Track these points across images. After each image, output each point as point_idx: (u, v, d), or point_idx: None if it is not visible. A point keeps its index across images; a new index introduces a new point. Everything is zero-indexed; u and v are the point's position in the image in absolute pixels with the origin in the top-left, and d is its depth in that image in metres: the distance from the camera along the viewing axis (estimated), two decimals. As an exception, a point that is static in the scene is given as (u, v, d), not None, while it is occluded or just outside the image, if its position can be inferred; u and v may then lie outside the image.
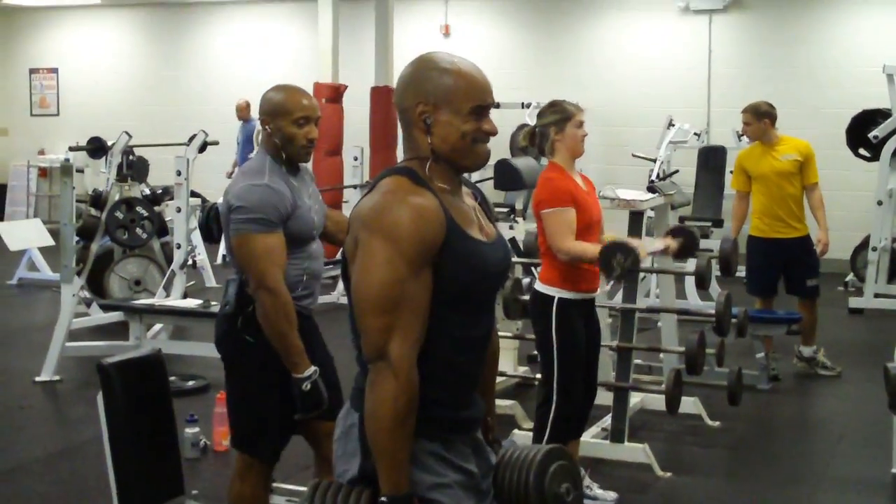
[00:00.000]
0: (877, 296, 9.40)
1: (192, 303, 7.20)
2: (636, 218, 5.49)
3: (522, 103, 12.24)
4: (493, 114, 2.39)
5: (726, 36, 12.86)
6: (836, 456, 5.67)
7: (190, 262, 7.77)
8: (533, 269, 6.19)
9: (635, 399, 5.86)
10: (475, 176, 2.16)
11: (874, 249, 9.37)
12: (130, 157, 8.77)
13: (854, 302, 9.54)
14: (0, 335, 8.66)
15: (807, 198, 7.05)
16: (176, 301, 7.42)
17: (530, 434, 4.86)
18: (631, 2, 13.31)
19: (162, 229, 8.82)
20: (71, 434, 5.99)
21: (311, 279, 3.62)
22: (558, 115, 4.57)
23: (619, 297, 5.65)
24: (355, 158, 10.39)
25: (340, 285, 9.75)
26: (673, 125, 11.68)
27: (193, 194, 8.71)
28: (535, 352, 6.40)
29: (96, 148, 9.14)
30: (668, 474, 5.20)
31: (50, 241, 9.98)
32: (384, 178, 2.31)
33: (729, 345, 5.84)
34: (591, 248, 4.40)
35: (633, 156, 11.47)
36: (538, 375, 4.96)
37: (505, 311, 5.49)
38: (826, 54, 12.37)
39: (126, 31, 16.30)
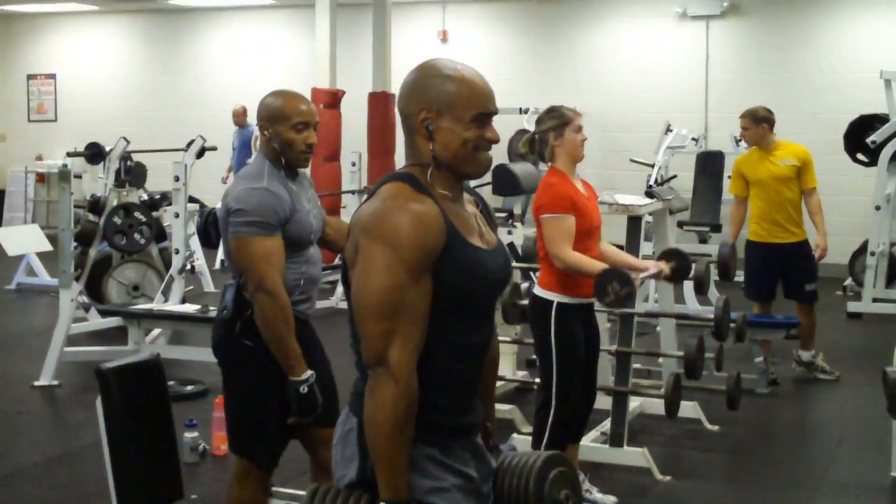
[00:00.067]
0: (875, 300, 9.40)
1: (191, 308, 7.19)
2: (634, 223, 5.49)
3: (520, 109, 12.27)
4: (491, 119, 2.39)
5: (724, 41, 12.89)
6: (835, 460, 5.67)
7: (188, 267, 7.76)
8: (531, 273, 6.20)
9: (634, 403, 5.86)
10: (473, 181, 2.16)
11: (872, 254, 9.38)
12: (128, 163, 8.78)
13: (852, 306, 9.54)
14: (-2, 340, 8.65)
15: (805, 203, 7.06)
16: (174, 306, 7.41)
17: (529, 438, 4.86)
18: (629, 7, 13.33)
19: (160, 234, 8.82)
20: (70, 439, 5.99)
21: (308, 284, 3.62)
22: (557, 121, 4.58)
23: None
24: (353, 164, 10.40)
25: (339, 290, 9.76)
26: (671, 130, 11.71)
27: (191, 199, 8.71)
28: (534, 356, 6.42)
29: (94, 153, 9.14)
30: (668, 478, 5.20)
31: (48, 247, 9.97)
32: (385, 185, 2.31)
33: (728, 349, 5.84)
34: (589, 264, 4.40)
35: (632, 161, 11.50)
36: (537, 380, 4.96)
37: (504, 315, 5.49)
38: (823, 59, 12.40)
39: (124, 37, 16.30)
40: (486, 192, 6.55)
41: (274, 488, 3.94)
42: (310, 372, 3.46)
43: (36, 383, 6.93)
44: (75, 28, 16.52)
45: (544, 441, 4.54)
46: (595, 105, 12.22)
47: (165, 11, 15.86)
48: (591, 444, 5.32)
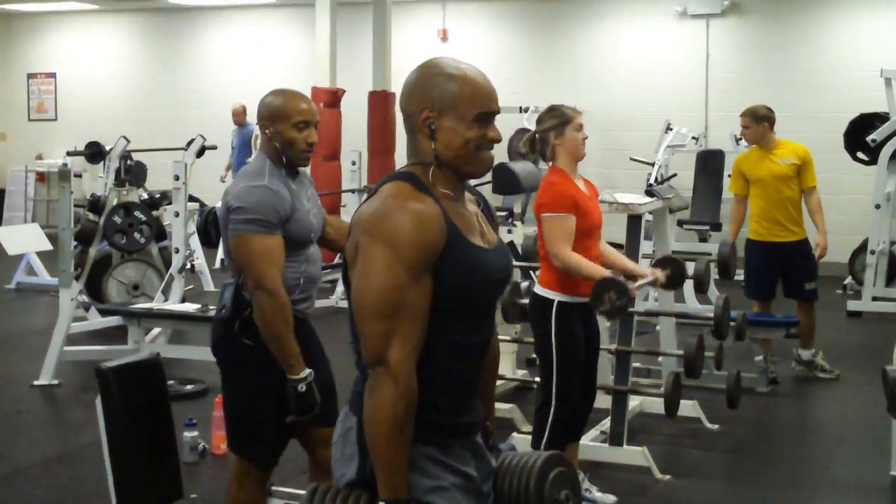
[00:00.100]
0: (875, 299, 9.40)
1: (191, 307, 7.19)
2: (634, 222, 5.50)
3: (520, 107, 12.27)
4: (491, 118, 2.39)
5: (724, 40, 12.88)
6: (835, 459, 5.67)
7: (188, 266, 7.76)
8: (531, 272, 6.20)
9: (634, 402, 5.86)
10: (473, 180, 2.16)
11: (872, 253, 9.38)
12: (128, 162, 8.77)
13: (852, 305, 9.55)
14: (-2, 340, 8.66)
15: (805, 201, 7.06)
16: (174, 305, 7.42)
17: (529, 437, 4.86)
18: (629, 6, 13.32)
19: (160, 234, 8.82)
20: (69, 438, 5.98)
21: (308, 283, 3.62)
22: (557, 120, 4.57)
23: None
24: (353, 163, 10.39)
25: (339, 289, 9.77)
26: (671, 129, 11.71)
27: (191, 199, 8.72)
28: (534, 355, 6.41)
29: (94, 153, 9.14)
30: (667, 477, 5.20)
31: (48, 246, 9.97)
32: (386, 184, 2.31)
33: (727, 348, 5.84)
34: (588, 266, 4.40)
35: (632, 160, 11.49)
36: (537, 379, 4.96)
37: (503, 314, 5.49)
38: (824, 58, 12.40)
39: (124, 37, 16.30)
40: (486, 191, 6.54)
41: (273, 487, 3.95)
42: (308, 370, 3.46)
43: (36, 382, 6.93)
44: (75, 27, 16.52)
45: (544, 440, 4.54)
46: (595, 104, 12.22)
47: (165, 10, 15.86)
48: (591, 443, 5.32)
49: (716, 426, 6.03)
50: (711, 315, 5.37)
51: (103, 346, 7.47)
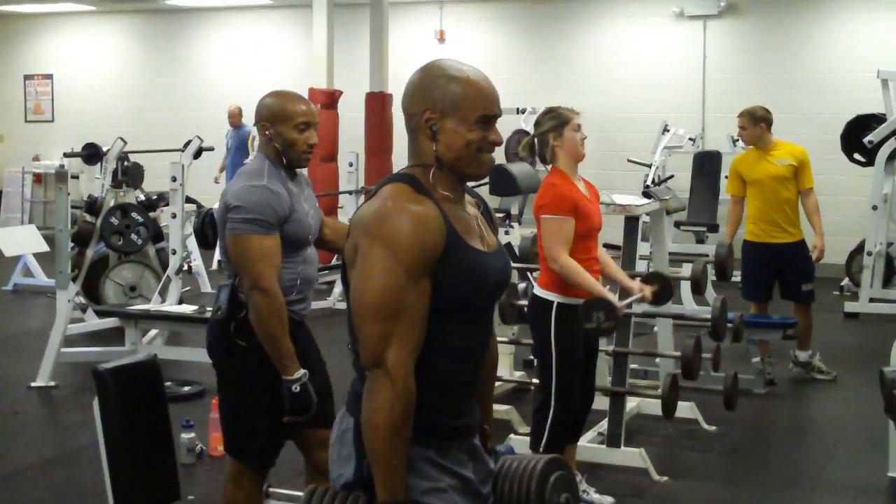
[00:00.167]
0: (872, 300, 9.40)
1: (188, 308, 7.18)
2: (632, 223, 5.50)
3: (517, 108, 12.29)
4: (489, 118, 2.39)
5: (721, 41, 12.89)
6: (833, 460, 5.68)
7: (185, 267, 7.75)
8: (529, 274, 6.20)
9: (631, 404, 5.87)
10: (471, 182, 2.16)
11: (869, 254, 9.38)
12: (125, 163, 8.76)
13: (849, 306, 9.55)
14: (-5, 341, 8.65)
15: (802, 203, 7.06)
16: (171, 307, 7.41)
17: (527, 439, 4.86)
18: (625, 7, 13.33)
19: (157, 235, 8.81)
20: (66, 440, 5.98)
21: (305, 284, 3.62)
22: (555, 121, 4.58)
23: (616, 296, 5.64)
24: (350, 164, 10.40)
25: (336, 291, 9.77)
26: (668, 130, 11.73)
27: (188, 200, 8.71)
28: (531, 356, 6.41)
29: (91, 154, 9.13)
30: (665, 479, 5.20)
31: (45, 247, 9.97)
32: (386, 185, 2.31)
33: (725, 349, 5.85)
34: (582, 276, 4.38)
35: (629, 161, 11.51)
36: (534, 380, 4.96)
37: (501, 316, 5.49)
38: (820, 59, 12.41)
39: (121, 38, 16.30)
40: (484, 192, 6.55)
41: (270, 489, 3.94)
42: (302, 371, 3.46)
43: (33, 384, 6.92)
44: (72, 28, 16.52)
45: (543, 442, 4.54)
46: (592, 105, 12.21)
47: (162, 12, 15.85)
48: (589, 445, 5.33)
49: (713, 427, 6.03)
50: (709, 316, 5.37)
51: (100, 347, 7.46)
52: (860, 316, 9.42)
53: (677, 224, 11.12)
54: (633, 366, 6.21)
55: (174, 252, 7.72)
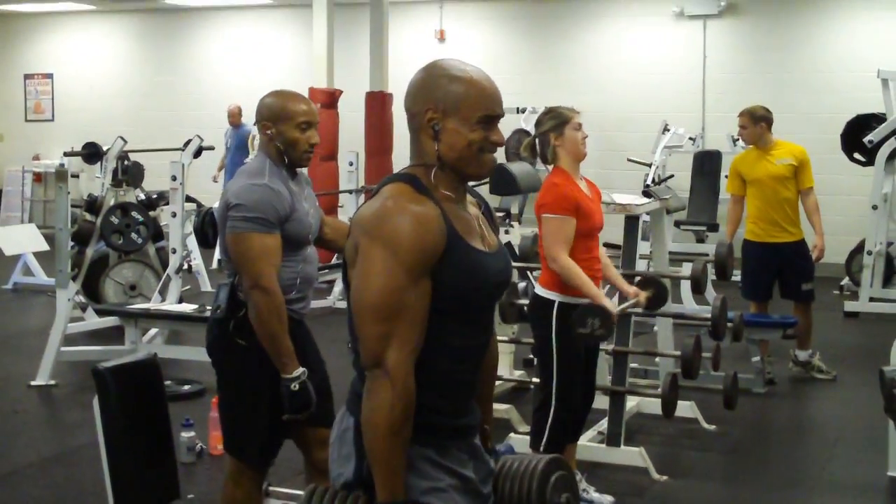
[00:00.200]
0: (872, 300, 9.41)
1: (188, 307, 7.18)
2: (632, 222, 5.50)
3: (517, 108, 12.29)
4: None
5: (721, 41, 12.89)
6: (832, 459, 5.68)
7: (185, 266, 7.75)
8: (529, 273, 6.20)
9: (631, 403, 5.87)
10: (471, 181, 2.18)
11: (869, 253, 9.39)
12: (125, 162, 8.76)
13: (849, 306, 9.56)
14: (-5, 340, 8.65)
15: (802, 202, 7.06)
16: (171, 306, 7.41)
17: (526, 438, 4.86)
18: (626, 7, 13.33)
19: (157, 234, 8.81)
20: (66, 438, 5.98)
21: (304, 283, 3.62)
22: (556, 121, 4.58)
23: (614, 300, 5.65)
24: (350, 164, 10.39)
25: (336, 289, 9.77)
26: (668, 130, 11.73)
27: (189, 199, 8.71)
28: (531, 355, 6.41)
29: (91, 153, 9.13)
30: (665, 478, 5.20)
31: (45, 246, 9.97)
32: (387, 185, 2.31)
33: (725, 349, 5.85)
34: (581, 278, 4.37)
35: (629, 160, 11.50)
36: (534, 379, 4.96)
37: (501, 315, 5.48)
38: (820, 59, 12.41)
39: (121, 37, 16.29)
40: (484, 191, 6.55)
41: (270, 488, 3.95)
42: (301, 369, 3.46)
43: (33, 383, 6.92)
44: (72, 28, 16.51)
45: (543, 441, 4.54)
46: (592, 104, 12.20)
47: (163, 11, 15.85)
48: (588, 444, 5.33)
49: (713, 427, 6.03)
50: (709, 316, 5.38)
51: (100, 346, 7.47)
52: (860, 315, 9.43)
53: (677, 223, 11.12)
54: (633, 365, 6.22)
55: (174, 251, 7.72)
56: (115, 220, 8.13)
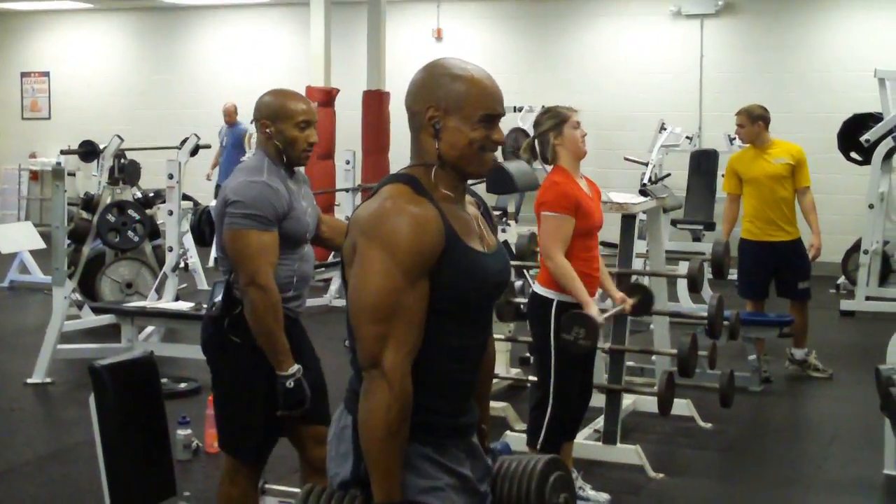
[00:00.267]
0: (868, 298, 9.41)
1: (184, 305, 7.18)
2: (629, 221, 5.50)
3: (514, 107, 12.30)
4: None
5: (718, 40, 12.90)
6: (828, 457, 5.68)
7: (182, 264, 7.75)
8: (525, 271, 6.20)
9: (628, 401, 5.87)
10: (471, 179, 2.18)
11: (865, 252, 9.39)
12: (122, 161, 8.75)
13: (845, 304, 9.56)
14: (-9, 338, 8.64)
15: (799, 201, 7.07)
16: (168, 304, 7.41)
17: (523, 436, 4.86)
18: (623, 6, 13.34)
19: (154, 232, 8.80)
20: (63, 436, 5.98)
21: (301, 282, 3.62)
22: (554, 120, 4.58)
23: (606, 303, 5.65)
24: (347, 162, 10.39)
25: (332, 288, 9.77)
26: (665, 129, 11.70)
27: (185, 197, 8.69)
28: (528, 354, 6.41)
29: (88, 151, 9.12)
30: (661, 476, 5.21)
31: (41, 244, 9.96)
32: (385, 185, 2.31)
33: (721, 347, 5.84)
34: (573, 281, 4.37)
35: (626, 159, 11.46)
36: (531, 377, 4.96)
37: (497, 313, 5.48)
38: (817, 58, 12.42)
39: (117, 35, 16.28)
40: (480, 190, 6.55)
41: (267, 485, 3.95)
42: (297, 366, 3.47)
43: (29, 380, 6.92)
44: (69, 26, 16.50)
45: (540, 439, 4.54)
46: (589, 103, 12.21)
47: (160, 9, 15.84)
48: (585, 442, 5.33)
49: (709, 425, 6.03)
50: (705, 314, 5.38)
51: (97, 344, 7.45)
52: (856, 314, 9.43)
53: (674, 222, 11.12)
54: (629, 363, 6.22)
55: (171, 249, 7.71)
56: (111, 218, 8.12)
